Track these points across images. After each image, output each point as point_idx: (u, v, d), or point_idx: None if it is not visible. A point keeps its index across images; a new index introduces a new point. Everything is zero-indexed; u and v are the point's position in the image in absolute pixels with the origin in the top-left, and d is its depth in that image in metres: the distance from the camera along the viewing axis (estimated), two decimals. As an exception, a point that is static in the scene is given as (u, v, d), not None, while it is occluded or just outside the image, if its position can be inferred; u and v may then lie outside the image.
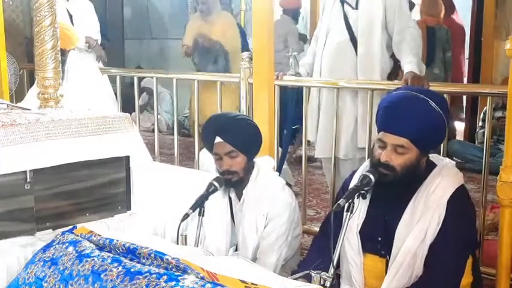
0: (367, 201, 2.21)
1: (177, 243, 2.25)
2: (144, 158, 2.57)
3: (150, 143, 3.75)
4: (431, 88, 2.77)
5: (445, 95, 2.59)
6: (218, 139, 2.46)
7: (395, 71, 3.27)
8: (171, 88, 4.43)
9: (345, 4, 3.27)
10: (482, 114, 5.40)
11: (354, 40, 3.25)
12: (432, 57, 5.58)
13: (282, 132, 4.09)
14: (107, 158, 2.42)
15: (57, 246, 1.89)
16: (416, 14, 5.95)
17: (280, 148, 3.79)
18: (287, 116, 4.30)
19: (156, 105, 4.34)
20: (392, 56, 3.27)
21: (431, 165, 2.19)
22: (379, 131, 2.18)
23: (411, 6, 5.65)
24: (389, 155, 2.10)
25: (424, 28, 5.47)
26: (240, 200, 2.53)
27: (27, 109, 2.63)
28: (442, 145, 2.84)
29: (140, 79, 5.82)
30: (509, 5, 5.90)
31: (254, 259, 2.44)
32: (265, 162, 2.60)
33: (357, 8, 3.24)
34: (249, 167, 2.51)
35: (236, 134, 2.46)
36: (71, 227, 2.06)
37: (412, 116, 2.08)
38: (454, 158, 4.78)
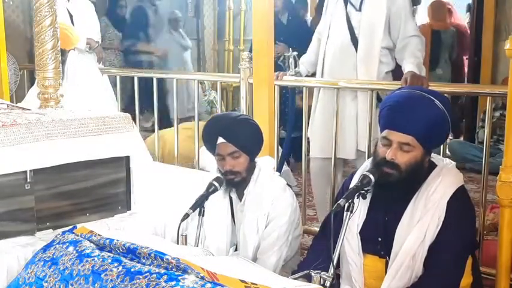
0: (367, 202, 2.21)
1: (177, 243, 2.25)
2: (144, 158, 2.57)
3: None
4: (431, 88, 2.78)
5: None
6: (221, 139, 2.45)
7: (397, 70, 3.27)
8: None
9: (348, 5, 3.27)
10: (482, 114, 5.40)
11: (355, 41, 3.26)
12: (437, 59, 5.78)
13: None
14: (107, 158, 2.42)
15: (57, 246, 1.90)
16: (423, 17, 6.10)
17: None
18: (288, 116, 4.30)
19: (156, 105, 4.34)
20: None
21: (432, 166, 2.20)
22: (382, 130, 2.18)
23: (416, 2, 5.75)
24: (395, 153, 2.10)
25: (430, 31, 5.77)
26: (241, 200, 2.53)
27: (27, 109, 2.63)
28: (442, 145, 2.85)
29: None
30: (509, 5, 5.90)
31: (254, 259, 2.44)
32: (266, 163, 2.60)
33: (360, 10, 3.24)
34: (251, 167, 2.51)
35: (239, 134, 2.46)
36: (71, 227, 2.06)
37: (418, 114, 2.09)
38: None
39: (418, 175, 2.13)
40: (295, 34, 4.09)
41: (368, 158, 2.78)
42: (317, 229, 2.77)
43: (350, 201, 2.04)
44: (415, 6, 5.74)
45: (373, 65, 3.22)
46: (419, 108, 2.10)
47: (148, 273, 1.59)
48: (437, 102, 2.10)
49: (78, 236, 1.94)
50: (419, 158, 2.11)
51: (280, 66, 3.85)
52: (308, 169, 3.56)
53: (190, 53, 7.51)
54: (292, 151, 4.90)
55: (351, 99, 3.30)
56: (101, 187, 2.43)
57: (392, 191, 2.14)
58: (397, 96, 2.20)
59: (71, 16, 4.70)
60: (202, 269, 1.58)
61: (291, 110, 4.24)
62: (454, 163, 2.26)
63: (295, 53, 3.62)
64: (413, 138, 2.09)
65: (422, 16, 6.72)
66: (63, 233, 1.98)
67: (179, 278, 1.54)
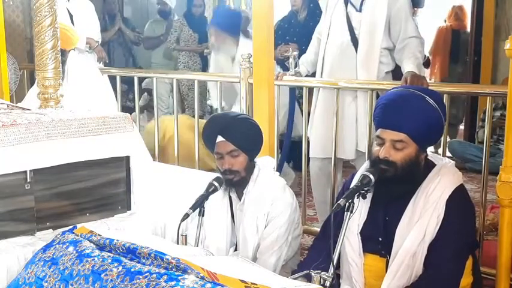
0: (368, 202, 2.21)
1: (177, 243, 2.25)
2: (144, 158, 2.57)
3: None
4: (430, 87, 2.78)
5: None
6: (220, 138, 2.46)
7: (397, 71, 3.28)
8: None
9: (349, 5, 3.28)
10: (482, 114, 5.40)
11: (355, 41, 3.26)
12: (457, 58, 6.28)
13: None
14: (107, 158, 2.42)
15: (57, 246, 1.90)
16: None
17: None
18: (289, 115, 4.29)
19: (156, 105, 4.34)
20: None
21: (431, 165, 2.20)
22: (377, 129, 2.19)
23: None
24: (388, 151, 2.11)
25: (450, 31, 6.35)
26: (240, 200, 2.53)
27: (27, 109, 2.63)
28: (441, 144, 2.85)
29: (141, 79, 5.78)
30: (509, 5, 5.90)
31: (254, 259, 2.44)
32: (265, 163, 2.60)
33: (360, 10, 3.24)
34: (250, 167, 2.51)
35: (238, 133, 2.46)
36: (71, 227, 2.06)
37: (410, 111, 2.10)
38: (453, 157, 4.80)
39: (414, 172, 2.14)
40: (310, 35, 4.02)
41: (368, 158, 2.77)
42: (317, 229, 2.78)
43: (350, 201, 2.04)
44: (415, 8, 5.74)
45: (373, 66, 3.22)
46: (411, 106, 2.11)
47: (148, 273, 1.59)
48: (430, 100, 2.11)
49: (78, 236, 1.94)
50: (414, 155, 2.12)
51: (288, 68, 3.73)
52: (308, 169, 3.56)
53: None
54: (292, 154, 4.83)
55: (350, 100, 3.30)
56: (101, 187, 2.43)
57: (391, 187, 2.14)
58: (389, 95, 2.22)
59: (71, 16, 4.70)
60: (202, 269, 1.58)
61: (291, 112, 4.23)
62: (453, 162, 2.27)
63: (295, 53, 3.62)
64: (406, 135, 2.09)
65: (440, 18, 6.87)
66: (63, 233, 1.98)
67: (179, 278, 1.54)
